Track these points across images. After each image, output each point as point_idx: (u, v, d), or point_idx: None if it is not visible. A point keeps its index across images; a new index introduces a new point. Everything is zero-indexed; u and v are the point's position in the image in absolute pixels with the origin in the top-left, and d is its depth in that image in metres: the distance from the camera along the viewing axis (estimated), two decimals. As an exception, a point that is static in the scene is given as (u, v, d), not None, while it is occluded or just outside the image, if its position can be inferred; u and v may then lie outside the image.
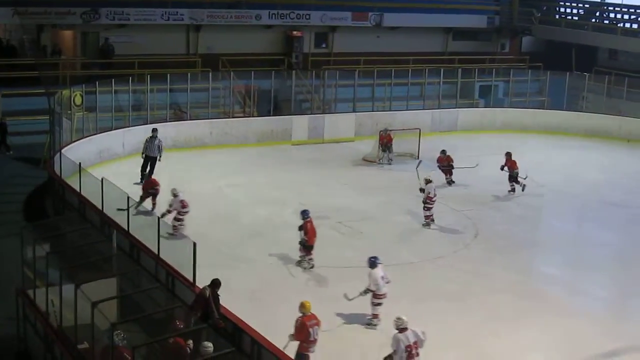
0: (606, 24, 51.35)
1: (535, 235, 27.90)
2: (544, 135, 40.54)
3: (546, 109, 43.93)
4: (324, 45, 44.76)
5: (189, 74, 36.35)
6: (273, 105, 37.92)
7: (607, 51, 51.52)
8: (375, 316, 19.66)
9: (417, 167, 29.86)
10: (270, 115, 37.01)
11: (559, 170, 34.25)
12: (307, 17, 42.93)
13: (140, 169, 29.80)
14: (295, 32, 42.86)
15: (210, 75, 37.04)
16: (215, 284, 17.50)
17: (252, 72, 37.63)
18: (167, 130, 33.63)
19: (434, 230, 26.59)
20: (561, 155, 37.26)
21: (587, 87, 44.89)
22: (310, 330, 16.79)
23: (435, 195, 26.91)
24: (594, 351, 18.78)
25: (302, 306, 17.06)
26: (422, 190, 27.02)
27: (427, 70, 42.72)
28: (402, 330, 16.20)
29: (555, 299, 21.84)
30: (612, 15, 52.12)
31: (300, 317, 16.89)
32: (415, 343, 16.14)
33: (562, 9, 53.75)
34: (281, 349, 16.47)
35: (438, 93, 42.35)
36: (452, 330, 19.33)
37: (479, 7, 49.28)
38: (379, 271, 19.80)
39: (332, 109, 40.21)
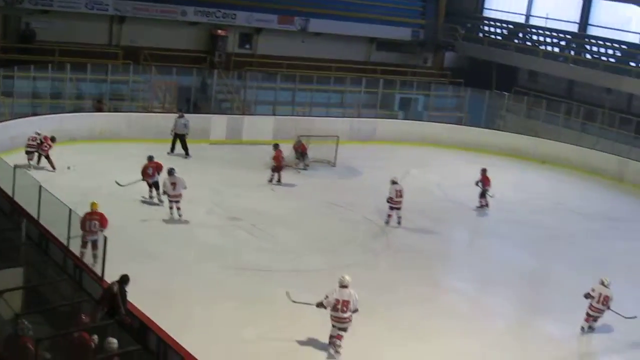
0: (528, 45, 52.04)
1: (444, 249, 28.19)
2: (460, 151, 40.99)
3: (464, 125, 44.44)
4: (247, 46, 44.57)
5: (109, 65, 35.94)
6: (193, 103, 37.67)
7: (527, 72, 52.25)
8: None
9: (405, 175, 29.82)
10: (189, 113, 36.76)
11: (472, 186, 34.60)
12: (233, 16, 42.71)
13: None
14: (220, 31, 42.61)
15: (132, 68, 36.70)
16: (124, 279, 17.31)
17: (174, 68, 37.37)
18: (84, 121, 33.24)
19: (346, 238, 26.69)
20: (476, 171, 37.64)
21: (506, 107, 45.58)
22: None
23: (398, 197, 28.05)
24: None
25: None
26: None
27: (349, 79, 42.88)
28: (342, 287, 18.47)
29: (460, 313, 22.05)
30: (534, 37, 52.85)
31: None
32: (345, 302, 18.33)
33: (487, 28, 54.36)
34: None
35: (358, 102, 42.57)
36: (352, 338, 19.38)
37: (404, 19, 49.53)
38: (171, 179, 25.99)
39: (252, 110, 40.14)
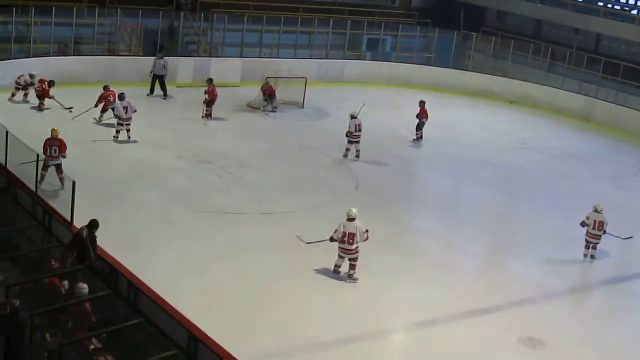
0: (496, -15, 52.02)
1: (413, 190, 28.41)
2: (428, 92, 40.86)
3: (432, 66, 44.40)
4: (212, -13, 44.14)
5: (74, 9, 35.51)
6: (159, 46, 37.32)
7: (495, 12, 52.17)
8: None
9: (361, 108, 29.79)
10: (155, 56, 36.41)
11: (440, 127, 34.70)
12: (200, -43, 42.26)
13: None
14: (186, -28, 42.16)
15: (97, 11, 36.25)
16: (93, 224, 17.27)
17: (140, 11, 36.98)
18: (50, 65, 32.89)
19: (314, 180, 26.77)
20: (443, 112, 37.71)
21: (474, 47, 45.53)
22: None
23: (357, 131, 28.80)
24: (470, 305, 19.29)
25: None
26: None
27: (316, 20, 42.63)
28: (349, 219, 19.67)
29: (430, 253, 22.26)
30: (502, -24, 52.84)
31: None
32: (351, 234, 19.53)
33: (454, -33, 54.25)
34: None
35: (326, 43, 42.41)
36: (324, 284, 19.55)
37: (371, -41, 49.29)
38: (122, 103, 27.57)
39: (219, 53, 39.85)
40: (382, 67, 42.56)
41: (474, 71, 44.00)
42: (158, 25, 37.37)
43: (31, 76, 30.91)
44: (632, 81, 40.69)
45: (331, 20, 42.52)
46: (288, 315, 17.88)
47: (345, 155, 29.05)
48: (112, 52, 36.98)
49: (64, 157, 22.64)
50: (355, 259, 19.84)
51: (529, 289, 20.84)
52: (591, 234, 22.65)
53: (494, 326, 18.69)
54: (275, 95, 34.38)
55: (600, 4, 47.41)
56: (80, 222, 17.81)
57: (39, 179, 20.78)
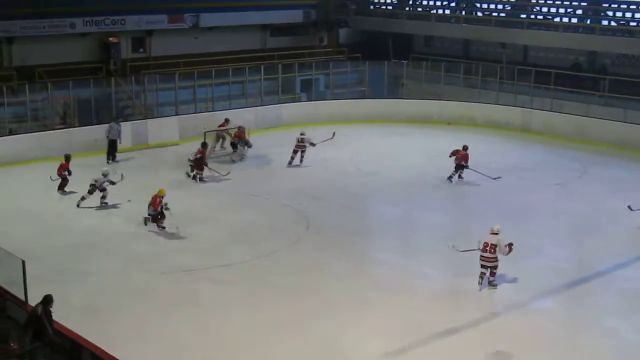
0: (420, 11, 52.63)
1: (366, 223, 28.38)
2: (368, 124, 41.21)
3: (368, 99, 44.71)
4: (141, 50, 44.12)
5: (4, 88, 35.35)
6: (94, 114, 37.21)
7: (422, 38, 52.76)
8: None
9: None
10: (92, 125, 36.25)
11: (384, 157, 34.97)
12: (122, 22, 42.22)
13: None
14: (111, 39, 42.08)
15: (27, 87, 36.14)
16: (47, 300, 17.06)
17: (70, 82, 36.88)
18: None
19: (266, 226, 26.71)
20: (386, 142, 38.03)
21: (406, 74, 45.94)
22: None
23: (301, 142, 33.14)
24: (433, 330, 19.31)
25: None
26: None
27: (247, 68, 42.80)
28: (492, 233, 21.84)
29: (391, 283, 22.29)
30: (425, 2, 53.48)
31: None
32: (492, 245, 21.63)
33: (376, 0, 54.80)
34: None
35: (260, 90, 42.56)
36: (290, 322, 19.53)
37: (294, 2, 49.60)
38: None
39: (155, 113, 39.80)
40: (319, 106, 42.77)
41: (410, 98, 44.37)
42: (90, 94, 37.24)
43: None
44: (564, 87, 41.31)
45: (262, 67, 42.73)
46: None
47: (290, 163, 32.93)
48: (48, 127, 36.73)
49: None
50: (495, 267, 21.73)
51: (490, 304, 21.01)
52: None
53: (461, 346, 18.76)
54: (245, 140, 34.78)
55: (524, 16, 48.09)
56: (35, 299, 17.61)
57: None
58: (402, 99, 44.67)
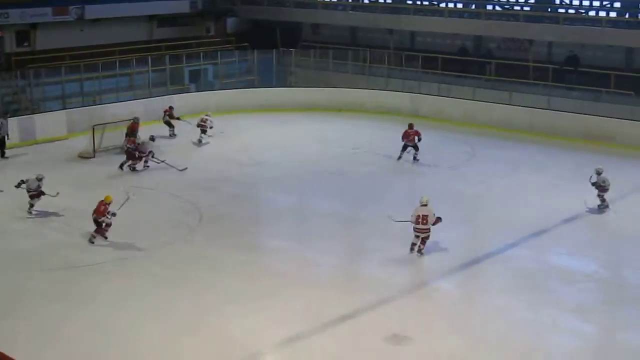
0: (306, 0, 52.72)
1: (259, 213, 28.35)
2: (258, 114, 41.12)
3: (257, 88, 44.60)
4: (26, 44, 43.19)
5: None
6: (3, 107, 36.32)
7: (310, 26, 52.86)
8: None
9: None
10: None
11: (275, 146, 34.98)
12: (6, 15, 41.23)
13: None
14: (-6, 33, 41.22)
15: None
16: None
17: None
18: None
19: (158, 218, 26.42)
20: (277, 130, 38.02)
21: (295, 63, 46.01)
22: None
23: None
24: (330, 317, 19.35)
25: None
26: None
27: (134, 60, 42.29)
28: (422, 205, 22.73)
29: (286, 271, 22.30)
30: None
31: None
32: (424, 216, 22.64)
33: (263, -12, 54.76)
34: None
35: (148, 82, 42.11)
36: (186, 314, 19.38)
37: (180, -8, 49.26)
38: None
39: (42, 108, 39.02)
40: (208, 97, 42.44)
41: (299, 86, 44.45)
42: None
43: None
44: (451, 72, 41.88)
45: (149, 58, 42.27)
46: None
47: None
48: None
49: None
50: (427, 238, 22.85)
51: (385, 288, 21.11)
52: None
53: (358, 330, 18.88)
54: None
55: (410, 2, 48.54)
56: None
57: None
58: (291, 87, 44.72)
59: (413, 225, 22.84)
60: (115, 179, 30.82)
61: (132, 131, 34.10)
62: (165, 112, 37.64)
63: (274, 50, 45.86)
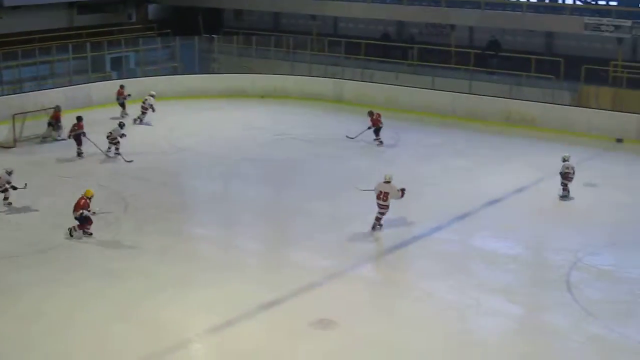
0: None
1: (183, 199, 28.23)
2: (181, 100, 40.86)
3: (179, 74, 44.32)
4: (-58, 33, 42.44)
5: None
6: None
7: (232, 12, 52.71)
8: None
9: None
10: None
11: (199, 133, 34.86)
12: None
13: None
14: None
15: None
16: None
17: None
18: None
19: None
20: (201, 117, 37.86)
21: (217, 49, 45.84)
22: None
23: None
24: (257, 302, 19.36)
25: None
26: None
27: (55, 48, 41.71)
28: (385, 182, 23.78)
29: (212, 258, 22.28)
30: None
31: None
32: (385, 193, 23.61)
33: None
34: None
35: (69, 70, 41.58)
36: (115, 304, 19.26)
37: (99, -21, 48.70)
38: None
39: (-40, 97, 38.33)
40: (130, 84, 41.92)
41: (222, 73, 44.32)
42: None
43: None
44: (374, 57, 42.11)
45: (70, 46, 41.72)
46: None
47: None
48: None
49: None
50: (385, 213, 23.79)
51: (311, 274, 21.18)
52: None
53: (285, 316, 18.94)
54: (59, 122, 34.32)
55: (332, -13, 48.61)
56: None
57: None
58: (214, 74, 44.54)
59: (376, 200, 23.77)
60: (38, 167, 30.44)
61: (55, 120, 33.75)
62: (118, 93, 38.08)
63: (197, 36, 45.63)
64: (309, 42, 44.23)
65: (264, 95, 42.26)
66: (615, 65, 37.76)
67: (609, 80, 37.70)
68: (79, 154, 31.69)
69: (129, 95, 38.11)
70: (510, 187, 28.02)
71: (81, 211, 23.04)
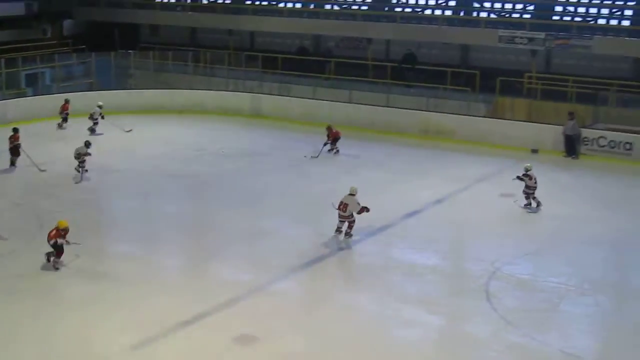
0: (145, 0, 52.20)
1: (103, 218, 27.87)
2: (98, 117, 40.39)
3: (95, 91, 43.82)
4: None
5: None
6: None
7: (148, 27, 52.46)
8: None
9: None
10: None
11: (118, 150, 34.51)
12: None
13: None
14: None
15: None
16: None
17: None
18: None
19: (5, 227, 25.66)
20: (119, 134, 37.46)
21: (134, 65, 45.51)
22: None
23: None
24: (179, 319, 19.15)
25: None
26: None
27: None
28: (349, 194, 24.17)
29: (133, 276, 21.98)
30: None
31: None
32: (345, 204, 24.03)
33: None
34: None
35: (-18, 87, 41.00)
36: (32, 324, 18.93)
37: (15, -6, 48.13)
38: None
39: None
40: (45, 101, 41.36)
41: (139, 88, 43.97)
42: None
43: None
44: (291, 71, 42.22)
45: (-20, 63, 41.13)
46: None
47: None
48: None
49: None
50: (351, 222, 24.18)
51: (232, 288, 21.08)
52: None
53: (207, 332, 18.78)
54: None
55: (249, 2, 48.66)
56: None
57: None
58: (131, 89, 44.19)
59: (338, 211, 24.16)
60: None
61: None
62: (62, 107, 38.42)
63: (113, 52, 45.25)
64: (226, 56, 44.17)
65: (182, 111, 42.04)
66: (530, 77, 38.42)
67: (524, 91, 38.33)
68: (13, 164, 31.52)
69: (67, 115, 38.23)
70: (429, 198, 28.27)
71: (54, 240, 22.43)
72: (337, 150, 34.52)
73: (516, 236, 25.51)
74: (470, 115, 37.71)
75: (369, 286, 21.53)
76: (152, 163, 32.87)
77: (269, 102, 41.80)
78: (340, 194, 25.97)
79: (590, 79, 37.05)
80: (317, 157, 33.75)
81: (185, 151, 34.79)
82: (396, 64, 42.54)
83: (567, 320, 20.16)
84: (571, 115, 34.73)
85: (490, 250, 24.00)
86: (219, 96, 42.73)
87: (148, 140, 36.84)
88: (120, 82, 45.12)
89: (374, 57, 43.64)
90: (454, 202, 28.60)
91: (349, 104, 40.02)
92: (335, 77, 42.10)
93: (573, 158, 34.30)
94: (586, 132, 35.03)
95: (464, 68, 41.93)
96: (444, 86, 38.81)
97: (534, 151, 35.21)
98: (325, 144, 34.16)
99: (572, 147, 34.84)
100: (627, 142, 34.45)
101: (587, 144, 35.01)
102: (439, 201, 28.29)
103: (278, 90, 42.29)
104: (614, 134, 34.83)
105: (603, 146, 34.83)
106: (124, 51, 45.87)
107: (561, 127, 34.98)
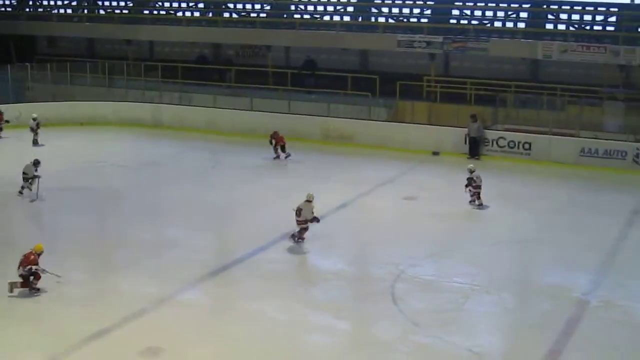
0: (41, 12, 51.48)
1: (3, 233, 27.27)
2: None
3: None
4: None
5: None
6: None
7: (46, 39, 51.71)
8: None
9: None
10: None
11: (15, 164, 33.84)
12: None
13: None
14: None
15: None
16: None
17: None
18: None
19: None
20: (16, 147, 36.84)
21: (32, 77, 44.80)
22: None
23: None
24: (83, 334, 18.85)
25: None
26: None
27: None
28: (306, 201, 24.38)
29: (36, 292, 21.59)
30: (45, 2, 52.40)
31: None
32: (299, 209, 24.32)
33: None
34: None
35: None
36: None
37: None
38: None
39: None
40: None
41: (37, 101, 43.21)
42: None
43: None
44: (192, 80, 42.07)
45: None
46: None
47: None
48: None
49: None
50: (303, 229, 24.48)
51: (137, 301, 20.87)
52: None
53: (112, 346, 18.54)
54: None
55: (147, 12, 48.30)
56: None
57: None
58: (29, 102, 43.40)
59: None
60: None
61: None
62: None
63: (9, 65, 44.46)
64: (124, 67, 43.77)
65: (83, 123, 41.52)
66: (429, 80, 38.88)
67: (423, 95, 38.79)
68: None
69: (7, 121, 38.53)
70: (332, 203, 28.37)
71: (29, 267, 21.73)
72: (289, 154, 35.34)
73: (420, 238, 25.79)
74: (371, 120, 38.03)
75: (276, 293, 21.51)
76: (53, 177, 32.23)
77: (169, 111, 41.59)
78: (244, 202, 26.07)
79: (488, 81, 37.70)
80: (290, 156, 35.02)
81: (87, 164, 34.35)
82: (296, 71, 42.68)
83: (472, 319, 20.41)
84: (474, 118, 35.31)
85: (394, 253, 24.21)
86: (120, 107, 42.39)
87: (48, 153, 36.16)
88: (18, 95, 44.29)
89: (274, 64, 43.72)
90: (358, 206, 28.80)
91: (250, 112, 40.05)
92: (236, 85, 42.07)
93: (476, 159, 34.81)
94: (486, 133, 35.62)
95: (364, 73, 42.26)
96: (345, 91, 39.07)
97: (435, 153, 35.69)
98: (282, 149, 34.88)
99: (475, 148, 35.40)
100: (526, 142, 35.17)
101: (487, 145, 35.64)
102: (342, 206, 28.45)
103: (179, 99, 42.10)
104: (513, 135, 35.52)
105: (503, 147, 35.51)
106: (20, 64, 45.11)
107: (461, 129, 35.51)
